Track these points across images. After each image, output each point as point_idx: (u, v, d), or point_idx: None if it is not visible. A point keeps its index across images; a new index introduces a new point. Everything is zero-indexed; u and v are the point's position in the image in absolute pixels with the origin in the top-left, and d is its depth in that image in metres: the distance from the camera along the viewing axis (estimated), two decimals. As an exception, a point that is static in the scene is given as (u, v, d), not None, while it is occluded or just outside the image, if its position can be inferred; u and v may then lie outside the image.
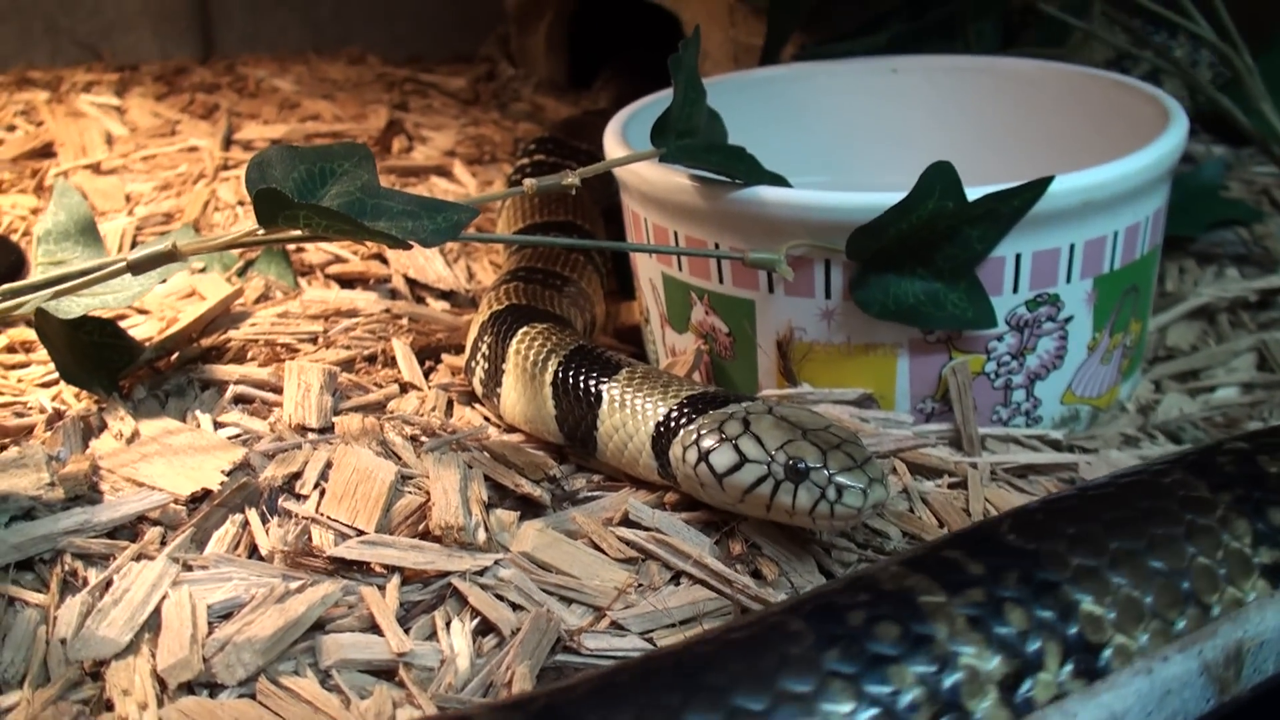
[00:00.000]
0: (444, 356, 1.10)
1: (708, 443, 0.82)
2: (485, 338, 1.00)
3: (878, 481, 0.78)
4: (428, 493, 0.86)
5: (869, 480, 0.78)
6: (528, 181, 0.93)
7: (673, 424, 0.86)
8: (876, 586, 0.64)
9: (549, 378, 0.93)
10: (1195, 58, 1.54)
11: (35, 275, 1.00)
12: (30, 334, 1.10)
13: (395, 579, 0.79)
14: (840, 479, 0.78)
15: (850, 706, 0.58)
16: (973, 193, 0.90)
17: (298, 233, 0.85)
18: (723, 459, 0.81)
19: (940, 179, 0.89)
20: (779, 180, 0.96)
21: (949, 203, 0.89)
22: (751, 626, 0.62)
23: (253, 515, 0.84)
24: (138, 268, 0.89)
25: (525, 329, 0.98)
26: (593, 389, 0.91)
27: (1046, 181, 0.90)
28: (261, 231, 0.86)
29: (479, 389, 1.01)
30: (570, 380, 0.92)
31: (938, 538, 0.77)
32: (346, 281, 1.26)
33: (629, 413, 0.88)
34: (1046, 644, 0.62)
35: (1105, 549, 0.66)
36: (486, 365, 0.99)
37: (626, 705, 0.57)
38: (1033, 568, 0.64)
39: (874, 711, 0.59)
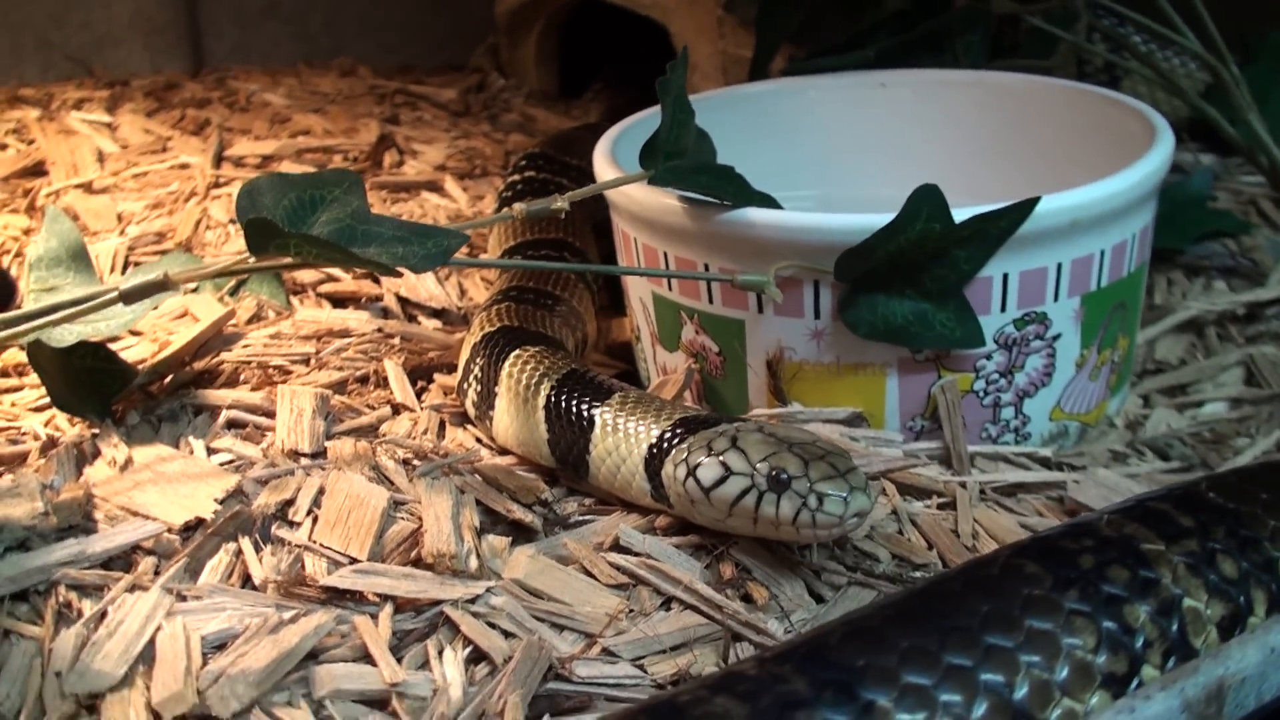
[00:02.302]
0: (436, 376, 1.10)
1: (695, 458, 0.83)
2: (478, 360, 1.01)
3: (860, 490, 0.78)
4: (420, 519, 0.86)
5: (850, 488, 0.78)
6: (517, 206, 0.93)
7: (665, 445, 0.86)
8: (1097, 533, 0.69)
9: (541, 402, 0.94)
10: (1181, 66, 1.54)
11: (28, 301, 1.00)
12: (22, 356, 1.10)
13: (388, 608, 0.79)
14: (821, 487, 0.78)
15: (1092, 642, 0.64)
16: (959, 214, 0.90)
17: (289, 260, 0.85)
18: (709, 473, 0.82)
19: (927, 202, 0.89)
20: (768, 201, 0.96)
21: (936, 225, 0.89)
22: (986, 568, 0.67)
23: (246, 544, 0.84)
24: (129, 297, 0.89)
25: (518, 352, 0.98)
26: (585, 414, 0.91)
27: (1033, 202, 0.90)
28: (253, 259, 0.86)
29: (472, 411, 1.02)
30: (563, 405, 0.92)
31: (1144, 492, 0.82)
32: (339, 300, 1.27)
33: (621, 436, 0.89)
34: (1255, 592, 0.70)
35: None
36: (479, 388, 1.00)
37: (888, 649, 0.61)
38: (1236, 525, 0.71)
39: (1111, 649, 0.64)
